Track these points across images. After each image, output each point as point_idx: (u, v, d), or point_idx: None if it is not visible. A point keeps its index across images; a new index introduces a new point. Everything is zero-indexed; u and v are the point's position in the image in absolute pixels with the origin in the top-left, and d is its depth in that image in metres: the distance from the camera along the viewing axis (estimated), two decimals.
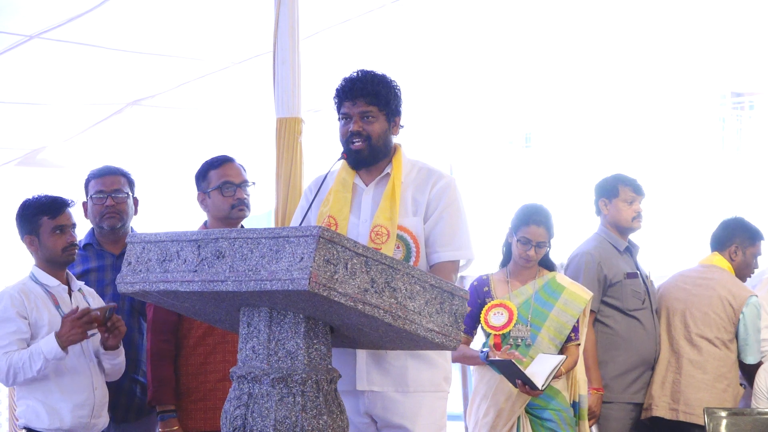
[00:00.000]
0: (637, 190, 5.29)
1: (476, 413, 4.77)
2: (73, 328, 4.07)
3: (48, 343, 4.07)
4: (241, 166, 4.51)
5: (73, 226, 4.31)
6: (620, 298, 5.19)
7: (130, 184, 4.74)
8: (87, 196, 4.71)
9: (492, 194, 15.03)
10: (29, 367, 4.08)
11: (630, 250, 5.34)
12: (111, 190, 4.65)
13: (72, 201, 4.36)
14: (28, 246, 4.34)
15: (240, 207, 4.40)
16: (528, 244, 4.71)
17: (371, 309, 2.90)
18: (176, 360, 4.35)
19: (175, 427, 4.28)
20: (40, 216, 4.27)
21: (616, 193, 5.28)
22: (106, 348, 4.23)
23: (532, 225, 4.71)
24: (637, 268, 5.31)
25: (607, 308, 5.16)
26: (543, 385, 4.51)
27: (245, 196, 4.42)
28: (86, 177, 4.75)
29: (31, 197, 4.34)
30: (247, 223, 4.52)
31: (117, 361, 4.30)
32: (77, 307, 4.14)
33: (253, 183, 4.50)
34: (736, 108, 17.47)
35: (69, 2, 5.63)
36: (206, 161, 4.48)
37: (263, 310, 3.06)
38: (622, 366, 5.20)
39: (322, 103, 4.50)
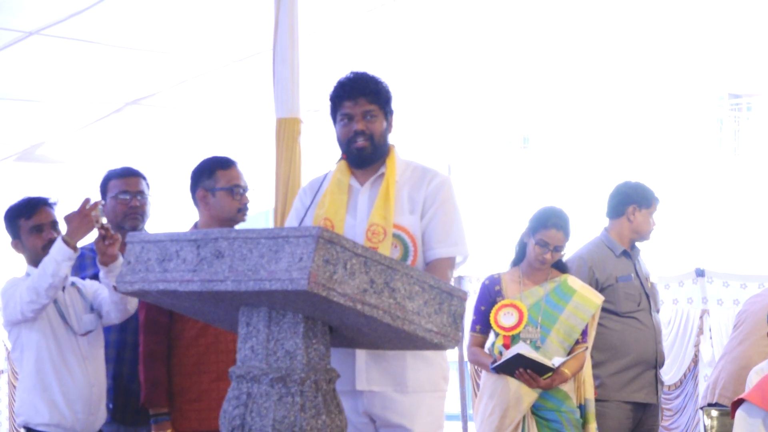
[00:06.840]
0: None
1: (483, 412, 4.78)
2: (82, 221, 4.07)
3: (56, 248, 4.07)
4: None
5: (53, 223, 4.29)
6: (613, 301, 5.20)
7: (147, 186, 4.69)
8: (105, 196, 4.61)
9: (490, 195, 15.06)
10: (43, 274, 4.06)
11: (628, 253, 5.35)
12: (136, 191, 4.60)
13: (49, 199, 4.35)
14: (16, 251, 4.37)
15: (244, 212, 4.36)
16: (545, 247, 4.73)
17: (370, 309, 2.90)
18: (169, 360, 4.31)
19: (168, 430, 4.24)
20: (17, 219, 4.30)
21: (647, 204, 5.33)
22: (105, 263, 4.16)
23: (551, 228, 4.73)
24: (636, 271, 5.33)
25: (602, 311, 5.19)
26: (554, 365, 4.50)
27: (248, 201, 4.40)
28: (104, 177, 4.67)
29: (12, 203, 4.36)
30: (245, 222, 4.50)
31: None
32: (83, 204, 4.12)
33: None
34: (733, 109, 17.49)
35: None
36: (211, 159, 4.38)
37: (262, 310, 3.06)
38: (617, 365, 5.21)
39: (321, 102, 4.49)
